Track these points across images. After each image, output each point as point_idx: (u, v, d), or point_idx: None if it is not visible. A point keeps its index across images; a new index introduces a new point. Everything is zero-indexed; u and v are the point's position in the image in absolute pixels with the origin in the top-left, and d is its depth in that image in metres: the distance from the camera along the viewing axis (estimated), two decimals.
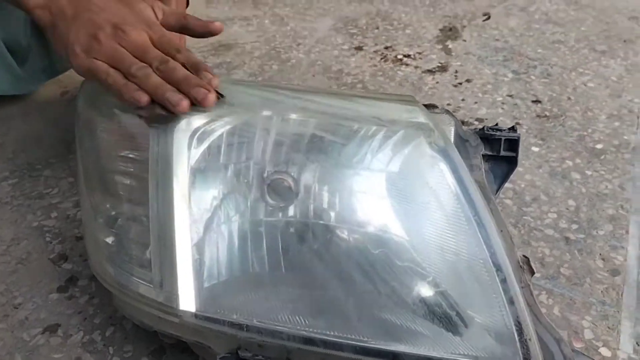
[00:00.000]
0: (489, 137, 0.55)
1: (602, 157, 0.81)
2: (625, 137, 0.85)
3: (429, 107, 0.52)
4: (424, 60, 1.09)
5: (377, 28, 1.22)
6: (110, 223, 0.49)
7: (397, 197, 0.46)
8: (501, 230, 0.44)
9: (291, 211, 0.46)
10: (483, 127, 0.56)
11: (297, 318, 0.43)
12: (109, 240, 0.49)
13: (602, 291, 0.61)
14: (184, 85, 0.46)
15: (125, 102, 0.48)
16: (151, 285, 0.45)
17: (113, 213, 0.50)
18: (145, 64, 0.48)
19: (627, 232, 0.68)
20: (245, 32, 1.21)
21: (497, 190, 0.58)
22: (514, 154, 0.56)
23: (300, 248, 0.46)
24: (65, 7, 0.54)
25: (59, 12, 0.54)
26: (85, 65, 0.51)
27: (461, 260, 0.44)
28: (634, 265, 0.64)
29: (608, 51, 1.11)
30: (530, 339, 0.39)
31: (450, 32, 1.20)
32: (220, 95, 0.47)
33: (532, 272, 0.46)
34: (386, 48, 1.13)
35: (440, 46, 1.14)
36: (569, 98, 0.96)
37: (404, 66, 1.07)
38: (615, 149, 0.83)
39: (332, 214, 0.46)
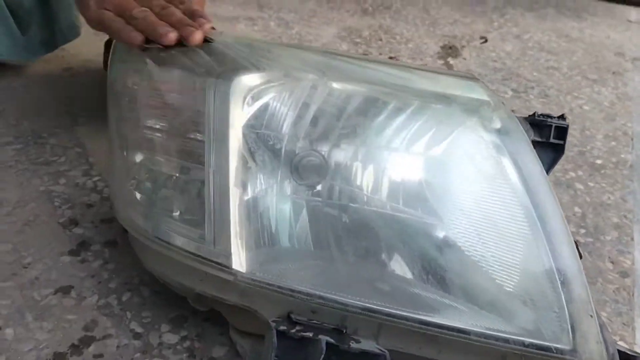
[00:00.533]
0: (538, 124, 0.56)
1: (602, 171, 0.84)
2: (623, 156, 0.89)
3: None
4: None
5: (380, 40, 1.24)
6: (155, 179, 0.48)
7: (454, 175, 0.45)
8: None
9: (337, 189, 0.46)
10: (533, 113, 0.57)
11: (356, 289, 0.42)
12: (157, 195, 0.47)
13: (613, 290, 0.62)
14: (176, 26, 0.49)
15: (123, 42, 0.51)
16: (202, 243, 0.43)
17: (158, 169, 0.48)
18: (146, 8, 0.51)
19: (632, 239, 0.71)
20: (251, 30, 1.21)
21: None
22: (562, 142, 0.57)
23: (351, 226, 0.45)
24: None
25: None
26: (94, 16, 0.54)
27: (514, 239, 0.43)
28: None
29: (599, 80, 1.16)
30: (592, 316, 0.39)
31: (450, 50, 1.23)
32: (208, 39, 0.49)
33: (580, 256, 0.46)
34: (391, 58, 1.15)
35: (442, 61, 1.17)
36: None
37: None
38: (614, 165, 0.86)
39: (387, 194, 0.45)
